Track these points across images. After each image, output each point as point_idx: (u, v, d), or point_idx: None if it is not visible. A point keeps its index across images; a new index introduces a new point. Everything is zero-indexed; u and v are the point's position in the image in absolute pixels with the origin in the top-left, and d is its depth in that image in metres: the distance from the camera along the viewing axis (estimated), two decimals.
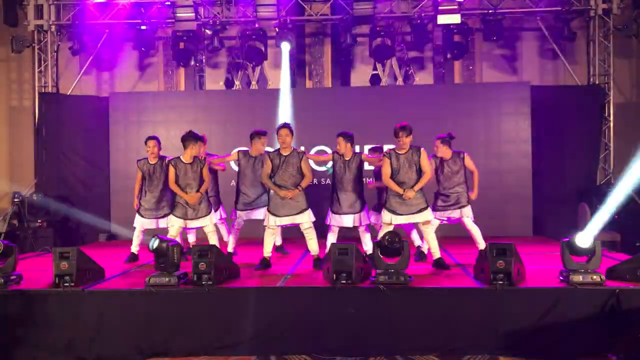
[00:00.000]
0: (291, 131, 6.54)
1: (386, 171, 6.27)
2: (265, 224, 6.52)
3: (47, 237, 9.84)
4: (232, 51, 10.98)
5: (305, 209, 6.42)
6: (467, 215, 6.89)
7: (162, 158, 7.30)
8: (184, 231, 7.14)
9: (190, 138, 6.71)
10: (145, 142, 7.37)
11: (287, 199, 6.33)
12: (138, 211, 7.33)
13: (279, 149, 6.55)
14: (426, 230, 6.37)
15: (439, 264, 6.33)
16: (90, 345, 5.16)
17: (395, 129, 6.22)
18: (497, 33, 10.08)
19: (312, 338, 5.12)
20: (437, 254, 6.39)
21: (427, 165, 6.28)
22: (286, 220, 6.43)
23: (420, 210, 6.24)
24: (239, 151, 7.52)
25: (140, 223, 7.31)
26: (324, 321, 5.16)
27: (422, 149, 6.29)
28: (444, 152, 6.95)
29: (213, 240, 6.71)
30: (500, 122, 10.10)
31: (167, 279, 5.28)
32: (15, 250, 5.52)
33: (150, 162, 7.31)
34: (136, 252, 7.35)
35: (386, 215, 6.28)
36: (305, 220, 6.41)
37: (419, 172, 6.24)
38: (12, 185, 11.13)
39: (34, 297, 5.27)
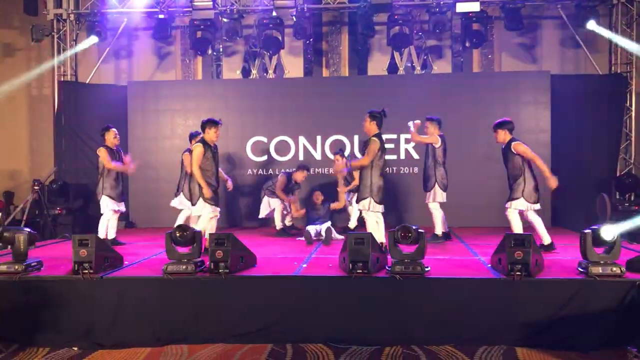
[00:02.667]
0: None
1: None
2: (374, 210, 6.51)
3: (66, 225, 9.96)
4: (249, 40, 10.97)
5: None
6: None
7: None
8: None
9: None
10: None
11: None
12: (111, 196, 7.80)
13: None
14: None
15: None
16: (109, 332, 5.22)
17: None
18: (517, 21, 9.94)
19: (328, 327, 5.13)
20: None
21: (525, 152, 6.64)
22: None
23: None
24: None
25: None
26: (340, 310, 5.16)
27: (512, 143, 6.69)
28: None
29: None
30: (520, 111, 9.98)
31: (184, 267, 5.31)
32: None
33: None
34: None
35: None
36: None
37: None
38: (32, 172, 11.29)
39: (54, 284, 5.35)
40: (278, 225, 8.82)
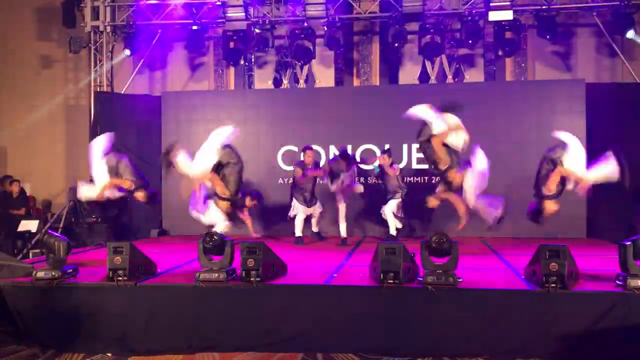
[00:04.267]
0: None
1: None
2: None
3: (101, 232, 10.13)
4: (281, 50, 11.06)
5: None
6: None
7: None
8: None
9: None
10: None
11: None
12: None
13: None
14: None
15: None
16: (142, 338, 5.28)
17: None
18: (551, 29, 9.82)
19: (359, 337, 5.11)
20: None
21: None
22: None
23: None
24: None
25: None
26: (371, 320, 5.14)
27: None
28: None
29: None
30: (554, 120, 9.81)
31: (216, 275, 5.35)
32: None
33: None
34: None
35: None
36: None
37: None
38: (68, 181, 11.55)
39: (89, 290, 5.45)
40: (297, 232, 8.91)
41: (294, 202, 8.97)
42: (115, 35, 11.28)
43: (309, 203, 8.88)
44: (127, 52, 10.97)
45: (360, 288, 5.36)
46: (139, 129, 11.00)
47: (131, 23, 10.85)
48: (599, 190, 9.62)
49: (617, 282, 5.09)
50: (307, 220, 9.13)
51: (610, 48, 10.17)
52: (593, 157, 9.64)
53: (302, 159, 8.92)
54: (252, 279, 5.27)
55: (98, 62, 11.16)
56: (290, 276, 5.85)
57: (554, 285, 4.89)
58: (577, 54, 10.57)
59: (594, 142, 9.70)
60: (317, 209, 9.06)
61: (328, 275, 5.92)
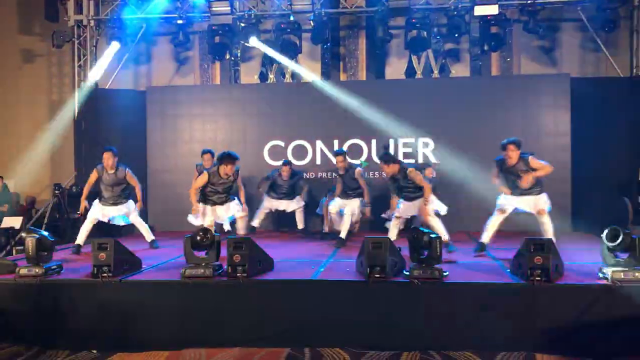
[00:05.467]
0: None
1: None
2: None
3: None
4: (267, 44, 10.99)
5: None
6: None
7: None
8: None
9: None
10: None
11: None
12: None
13: None
14: None
15: None
16: (127, 335, 5.25)
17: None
18: (536, 24, 9.86)
19: (346, 331, 5.11)
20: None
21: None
22: None
23: None
24: None
25: None
26: (358, 315, 5.14)
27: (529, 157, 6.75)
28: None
29: None
30: (539, 115, 9.89)
31: (202, 271, 5.33)
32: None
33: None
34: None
35: None
36: None
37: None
38: (53, 177, 11.43)
39: (73, 287, 5.40)
40: (254, 222, 9.25)
41: (265, 197, 9.28)
42: (99, 30, 11.16)
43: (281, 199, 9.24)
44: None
45: (346, 282, 5.36)
46: (123, 125, 10.90)
47: (115, 17, 10.73)
48: (584, 183, 9.77)
49: (601, 274, 5.14)
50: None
51: (595, 43, 10.24)
52: (578, 149, 9.78)
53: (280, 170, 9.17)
54: (238, 275, 5.25)
55: (82, 57, 11.04)
56: (277, 271, 5.85)
57: (538, 278, 4.93)
58: (562, 49, 10.64)
59: (579, 135, 9.80)
60: (294, 204, 9.23)
61: (315, 269, 5.92)
